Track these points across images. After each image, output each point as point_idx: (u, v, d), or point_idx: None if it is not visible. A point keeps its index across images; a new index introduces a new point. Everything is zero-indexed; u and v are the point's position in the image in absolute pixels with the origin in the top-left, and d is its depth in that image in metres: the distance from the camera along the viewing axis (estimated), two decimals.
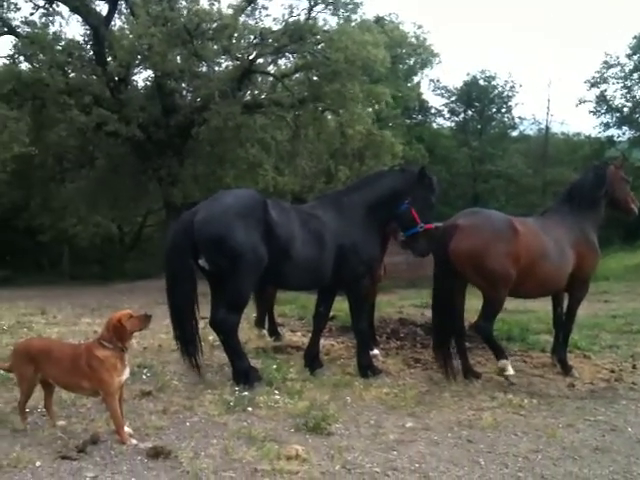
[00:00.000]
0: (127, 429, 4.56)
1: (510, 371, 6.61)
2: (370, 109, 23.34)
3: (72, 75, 21.37)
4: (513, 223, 6.67)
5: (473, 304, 7.23)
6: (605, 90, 35.35)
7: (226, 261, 5.99)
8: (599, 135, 36.62)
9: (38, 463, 4.08)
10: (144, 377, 6.35)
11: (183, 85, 23.55)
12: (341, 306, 8.86)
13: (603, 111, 35.81)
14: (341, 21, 21.42)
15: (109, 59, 21.20)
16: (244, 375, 6.12)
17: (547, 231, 6.94)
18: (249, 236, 5.97)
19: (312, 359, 6.98)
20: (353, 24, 21.22)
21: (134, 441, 4.44)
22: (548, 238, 6.86)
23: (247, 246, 5.95)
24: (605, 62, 34.66)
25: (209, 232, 5.96)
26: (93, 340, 4.68)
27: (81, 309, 12.72)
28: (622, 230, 32.44)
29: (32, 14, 21.57)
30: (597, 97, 35.56)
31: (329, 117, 23.48)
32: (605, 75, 34.91)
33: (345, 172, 22.30)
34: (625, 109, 35.19)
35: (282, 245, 6.19)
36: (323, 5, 21.18)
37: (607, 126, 35.93)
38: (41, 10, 21.73)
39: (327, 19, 21.76)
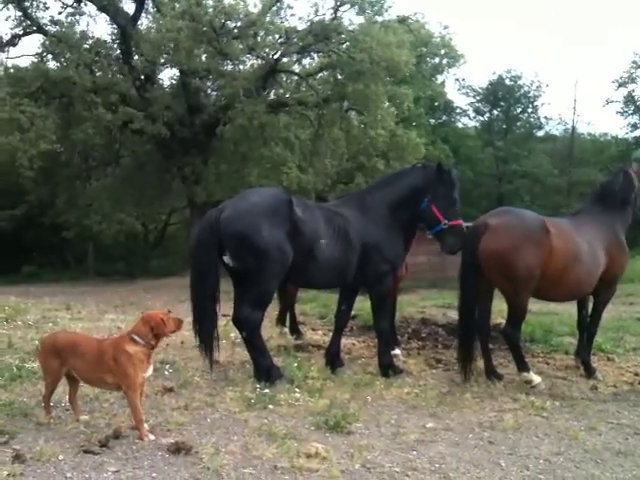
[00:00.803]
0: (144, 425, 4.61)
1: (535, 381, 6.52)
2: (394, 109, 23.18)
3: (99, 74, 21.60)
4: (545, 224, 6.52)
5: (495, 304, 7.16)
6: (633, 90, 34.88)
7: (251, 259, 6.05)
8: (626, 136, 36.17)
9: (61, 457, 4.14)
10: (166, 373, 6.41)
11: (208, 84, 23.71)
12: (362, 305, 8.87)
13: (631, 112, 35.33)
14: (365, 21, 21.32)
15: (135, 58, 21.39)
16: (266, 372, 6.16)
17: (581, 233, 6.82)
18: (274, 234, 6.01)
19: (333, 358, 6.99)
20: (378, 25, 21.11)
21: (152, 437, 4.49)
22: (582, 240, 6.75)
23: (272, 244, 6.00)
24: (634, 62, 34.18)
25: (235, 229, 6.02)
26: (121, 334, 4.71)
27: (105, 305, 12.87)
28: None
29: (60, 13, 21.87)
30: (625, 97, 35.09)
31: (352, 116, 23.43)
32: (633, 75, 34.43)
33: (381, 162, 22.19)
34: None
35: (307, 244, 6.23)
36: (349, 5, 21.14)
37: (635, 127, 35.45)
38: (69, 9, 22.00)
39: (352, 19, 21.74)
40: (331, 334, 7.39)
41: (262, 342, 6.41)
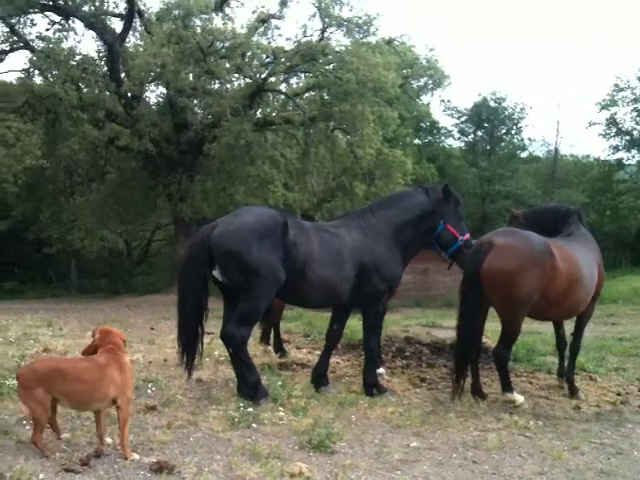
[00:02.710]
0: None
1: (518, 401, 6.55)
2: (380, 130, 23.36)
3: (85, 90, 21.60)
4: (550, 247, 6.55)
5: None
6: (615, 113, 35.42)
7: (240, 277, 6.10)
8: (608, 158, 36.69)
9: (42, 476, 4.06)
10: (149, 391, 6.35)
11: (195, 102, 23.75)
12: (347, 323, 8.85)
13: (613, 134, 35.85)
14: (352, 43, 21.51)
15: (122, 75, 21.42)
16: (253, 388, 6.13)
17: (579, 254, 6.93)
18: (265, 255, 6.03)
19: (320, 376, 6.96)
20: (365, 46, 21.32)
21: (137, 456, 4.45)
22: (582, 261, 6.87)
23: (262, 265, 6.02)
24: (616, 85, 34.76)
25: (225, 246, 6.06)
26: (110, 351, 4.61)
27: (88, 322, 12.75)
28: (629, 252, 32.42)
29: (48, 29, 21.90)
30: (607, 120, 35.62)
31: (339, 136, 23.57)
32: (615, 98, 34.98)
33: (361, 188, 22.41)
34: (635, 132, 35.23)
35: (300, 266, 6.26)
36: (336, 26, 21.35)
37: (616, 149, 35.96)
38: (56, 26, 22.02)
39: (340, 40, 21.93)
40: (315, 352, 7.37)
41: (249, 358, 6.39)
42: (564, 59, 79.45)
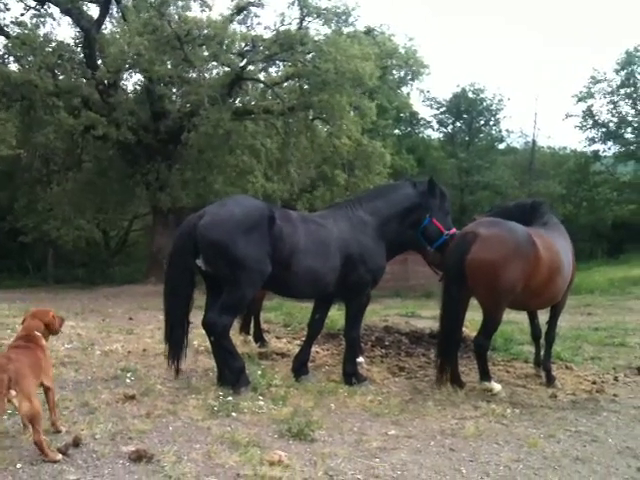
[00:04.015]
0: None
1: (495, 389, 6.62)
2: (359, 119, 23.39)
3: (61, 77, 21.30)
4: (532, 237, 6.60)
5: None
6: (592, 105, 35.84)
7: (226, 268, 6.05)
8: (584, 149, 37.12)
9: (19, 465, 4.04)
10: (128, 381, 6.31)
11: (173, 90, 23.55)
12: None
13: (589, 126, 36.27)
14: (331, 32, 21.42)
15: (99, 62, 21.15)
16: (237, 374, 6.12)
17: (558, 243, 7.02)
18: (251, 248, 5.99)
19: (301, 365, 6.97)
20: (344, 35, 21.27)
21: (64, 428, 4.67)
22: (562, 251, 6.96)
23: (248, 257, 5.99)
24: (592, 77, 35.13)
25: (210, 238, 6.00)
26: (27, 334, 4.55)
27: (65, 312, 12.62)
28: (605, 244, 32.87)
29: (23, 14, 21.53)
30: (583, 112, 36.02)
31: (319, 126, 23.53)
32: (592, 90, 35.36)
33: (342, 177, 22.43)
34: (611, 124, 35.69)
35: (286, 257, 6.24)
36: (315, 15, 21.26)
37: (593, 141, 36.42)
38: (32, 11, 21.69)
39: (319, 29, 21.85)
40: (295, 342, 7.38)
41: (233, 345, 6.38)
42: (542, 51, 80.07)
